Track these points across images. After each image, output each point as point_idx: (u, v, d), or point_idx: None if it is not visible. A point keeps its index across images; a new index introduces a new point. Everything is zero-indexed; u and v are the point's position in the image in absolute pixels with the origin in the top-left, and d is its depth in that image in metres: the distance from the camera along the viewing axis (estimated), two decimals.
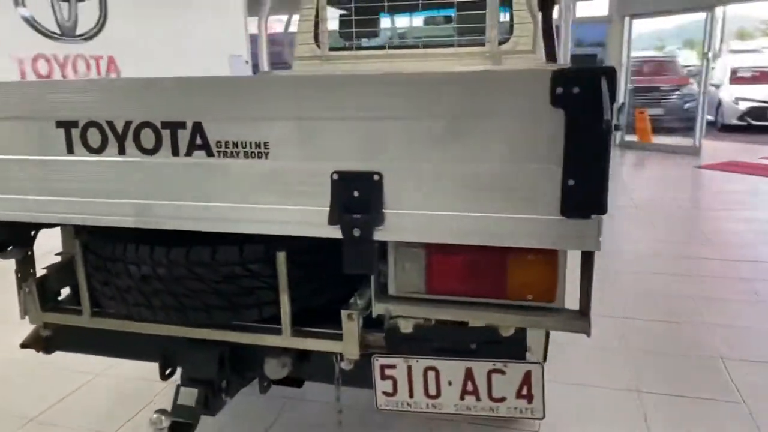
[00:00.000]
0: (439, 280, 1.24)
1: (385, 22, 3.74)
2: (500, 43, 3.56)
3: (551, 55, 4.53)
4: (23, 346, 1.84)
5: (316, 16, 3.86)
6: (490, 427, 2.24)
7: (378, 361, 1.40)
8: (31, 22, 5.03)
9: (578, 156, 1.06)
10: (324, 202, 1.20)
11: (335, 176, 1.18)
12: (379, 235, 1.20)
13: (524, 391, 1.34)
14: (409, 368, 1.39)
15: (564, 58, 3.38)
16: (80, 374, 2.68)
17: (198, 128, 1.25)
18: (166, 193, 1.30)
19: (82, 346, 1.78)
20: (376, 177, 1.17)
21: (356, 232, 1.19)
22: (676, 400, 2.48)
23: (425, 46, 3.70)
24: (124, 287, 1.47)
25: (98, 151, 1.33)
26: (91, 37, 5.67)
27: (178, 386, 1.59)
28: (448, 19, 3.76)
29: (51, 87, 1.37)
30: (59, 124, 1.34)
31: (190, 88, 1.27)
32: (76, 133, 1.33)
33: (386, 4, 3.70)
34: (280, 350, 1.51)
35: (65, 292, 1.78)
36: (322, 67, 3.91)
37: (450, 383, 1.38)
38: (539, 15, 3.49)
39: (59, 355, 1.85)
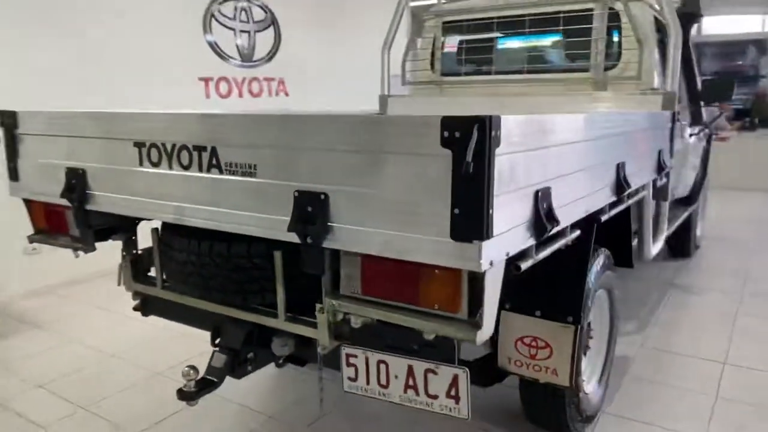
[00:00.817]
0: (370, 284, 1.49)
1: (493, 49, 3.92)
2: (607, 68, 3.56)
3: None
4: (135, 309, 2.44)
5: (433, 44, 4.17)
6: None
7: (344, 350, 1.68)
8: (215, 48, 6.04)
9: (461, 190, 1.26)
10: (288, 213, 1.52)
11: (296, 193, 1.51)
12: (326, 243, 1.49)
13: (452, 392, 1.53)
14: (366, 359, 1.65)
15: (671, 85, 3.29)
16: None
17: (214, 152, 1.66)
18: (192, 199, 1.73)
19: (163, 313, 2.30)
20: (322, 196, 1.46)
21: (309, 240, 1.49)
22: None
23: (530, 72, 3.82)
24: (176, 268, 1.95)
25: (156, 165, 1.81)
26: (265, 62, 6.61)
27: (214, 352, 2.02)
28: (554, 45, 3.83)
29: (131, 117, 1.88)
30: (135, 143, 1.85)
31: (210, 121, 1.68)
32: (144, 151, 1.83)
33: (494, 35, 3.90)
34: (284, 333, 1.86)
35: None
36: (435, 92, 4.21)
37: (396, 377, 1.61)
38: (654, 39, 3.41)
39: None
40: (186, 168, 1.73)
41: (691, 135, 4.44)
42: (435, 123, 1.27)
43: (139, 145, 1.84)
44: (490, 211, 1.26)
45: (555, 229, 1.61)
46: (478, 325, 1.36)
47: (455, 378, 1.53)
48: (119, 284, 2.25)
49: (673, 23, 3.28)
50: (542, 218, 1.52)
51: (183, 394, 1.92)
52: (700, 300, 4.40)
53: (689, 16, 4.47)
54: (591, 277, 2.43)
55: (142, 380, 3.21)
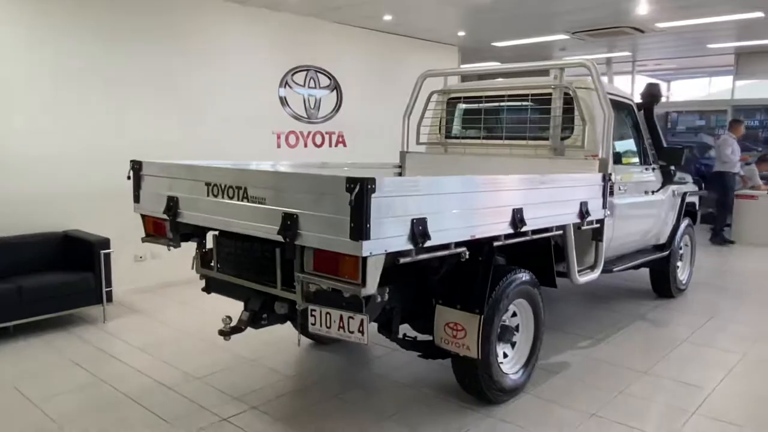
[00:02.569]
0: (318, 265, 2.73)
1: (484, 121, 5.11)
2: (564, 138, 4.66)
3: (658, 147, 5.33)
4: (202, 290, 3.80)
5: (441, 116, 5.42)
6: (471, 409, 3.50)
7: (309, 308, 2.92)
8: (286, 105, 7.59)
9: (354, 214, 2.48)
10: (277, 224, 2.79)
11: (282, 214, 2.78)
12: (297, 241, 2.74)
13: (360, 329, 2.73)
14: (321, 312, 2.88)
15: (605, 153, 4.35)
16: None
17: (246, 190, 2.99)
18: (234, 216, 3.05)
19: (218, 289, 3.62)
20: (295, 216, 2.73)
21: (288, 239, 2.75)
22: None
23: (509, 138, 4.97)
24: (224, 258, 3.29)
25: (216, 195, 3.16)
26: (327, 120, 8.10)
27: (243, 311, 3.32)
28: (526, 119, 4.98)
29: (203, 168, 3.25)
30: (205, 183, 3.21)
31: (243, 172, 3.02)
32: (210, 187, 3.18)
33: (483, 107, 5.11)
34: (282, 299, 3.13)
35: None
36: (441, 150, 5.44)
37: (334, 321, 2.83)
38: (600, 116, 4.48)
39: None
40: (231, 198, 3.06)
41: (654, 192, 5.37)
42: (343, 180, 2.50)
43: (207, 184, 3.20)
44: (368, 225, 2.47)
45: (429, 243, 2.78)
46: (363, 285, 2.57)
47: (362, 321, 2.73)
48: (192, 268, 3.61)
49: (606, 106, 4.35)
50: (415, 234, 2.70)
51: (222, 332, 3.24)
52: (658, 330, 5.26)
53: (652, 98, 5.50)
54: (504, 285, 3.53)
55: (202, 347, 4.57)
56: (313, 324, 2.93)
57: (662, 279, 6.05)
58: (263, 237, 2.91)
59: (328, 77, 8.08)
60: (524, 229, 3.46)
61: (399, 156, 5.70)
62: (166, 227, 3.54)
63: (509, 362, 3.81)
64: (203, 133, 6.63)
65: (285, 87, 7.58)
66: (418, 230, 2.72)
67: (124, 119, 6.08)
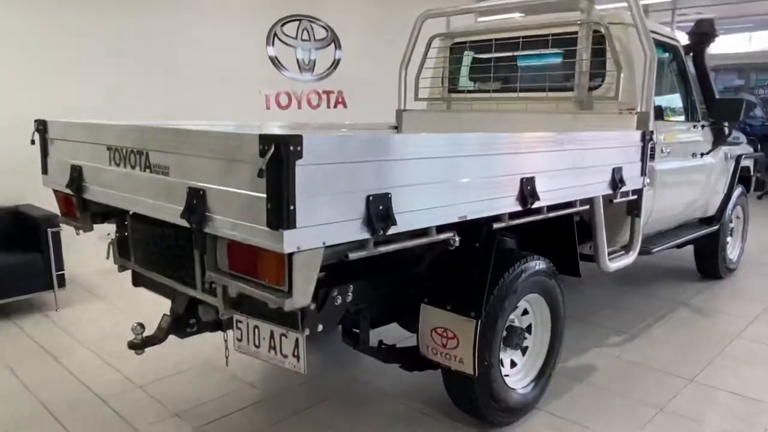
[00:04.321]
0: (233, 262, 1.91)
1: (495, 69, 4.19)
2: (591, 88, 3.74)
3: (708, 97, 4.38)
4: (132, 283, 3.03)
5: (443, 65, 4.51)
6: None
7: (235, 317, 2.12)
8: (276, 63, 6.71)
9: (271, 190, 1.65)
10: (181, 204, 1.99)
11: (187, 189, 1.97)
12: (206, 229, 1.93)
13: (295, 353, 1.92)
14: (247, 324, 2.08)
15: (646, 106, 3.43)
16: None
17: (147, 156, 2.17)
18: (133, 189, 2.25)
19: (144, 284, 2.85)
20: (201, 192, 1.92)
21: (193, 224, 1.95)
22: None
23: (524, 90, 4.06)
24: (136, 246, 2.49)
25: (118, 164, 2.36)
26: (324, 76, 7.20)
27: (164, 314, 2.54)
28: (546, 66, 4.04)
29: (102, 127, 2.45)
30: (107, 147, 2.41)
31: (144, 131, 2.20)
32: (111, 153, 2.38)
33: (493, 55, 4.19)
34: (206, 304, 2.34)
35: None
36: (445, 106, 4.55)
37: (264, 338, 2.03)
38: (639, 60, 3.54)
39: None
40: (133, 167, 2.26)
41: (704, 154, 4.42)
42: (255, 139, 1.67)
43: (109, 149, 2.40)
44: (291, 207, 1.64)
45: (394, 229, 1.95)
46: (289, 294, 1.75)
47: (297, 341, 1.92)
48: (107, 258, 2.84)
49: (648, 46, 3.40)
50: (373, 218, 1.87)
51: (132, 345, 2.45)
52: (704, 321, 4.36)
53: (703, 37, 4.48)
54: (510, 278, 2.69)
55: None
56: (240, 340, 2.13)
57: (709, 257, 5.12)
58: (171, 222, 2.11)
59: (325, 28, 7.16)
60: (537, 205, 2.60)
61: (395, 115, 4.82)
62: (75, 205, 2.77)
63: (518, 373, 2.99)
64: (175, 95, 5.78)
65: (273, 40, 6.69)
66: (378, 212, 1.89)
67: (85, 81, 5.28)
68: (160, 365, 3.52)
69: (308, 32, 7.01)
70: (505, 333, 2.83)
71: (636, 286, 5.07)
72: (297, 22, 6.88)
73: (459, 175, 2.20)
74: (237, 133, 1.77)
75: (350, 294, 2.33)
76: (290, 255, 1.71)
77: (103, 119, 2.90)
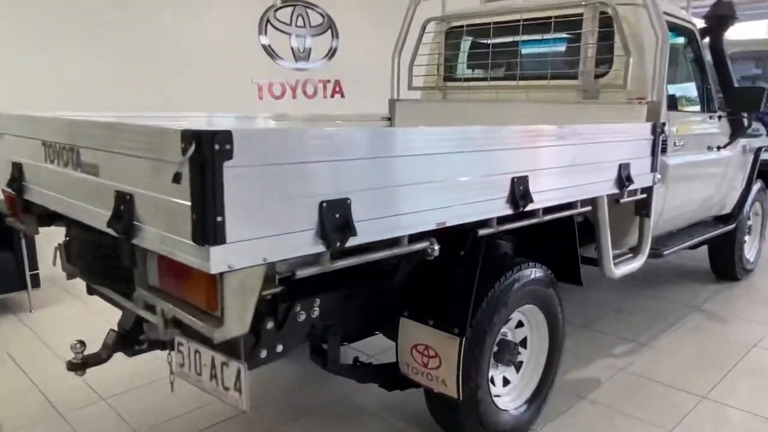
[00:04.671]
0: (164, 279, 1.63)
1: (493, 56, 3.87)
2: (598, 76, 3.42)
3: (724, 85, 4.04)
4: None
5: (438, 51, 4.20)
6: None
7: (176, 338, 1.84)
8: (269, 51, 6.41)
9: (195, 197, 1.36)
10: (110, 209, 1.71)
11: (115, 192, 1.69)
12: (135, 240, 1.66)
13: (237, 386, 1.64)
14: (188, 347, 1.80)
15: (657, 95, 3.11)
16: None
17: (77, 153, 1.89)
18: (65, 190, 1.97)
19: (98, 293, 2.58)
20: (128, 197, 1.64)
21: (120, 233, 1.67)
22: None
23: (524, 78, 3.75)
24: (76, 255, 2.22)
25: (52, 161, 2.08)
26: (320, 65, 6.89)
27: (111, 330, 2.27)
28: (548, 52, 3.72)
29: (38, 120, 2.16)
30: (42, 143, 2.13)
31: (74, 126, 1.92)
32: (46, 149, 2.10)
33: (491, 41, 3.87)
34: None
35: None
36: (440, 95, 4.24)
37: (205, 365, 1.75)
38: (649, 44, 3.21)
39: None
40: (66, 165, 1.98)
41: (720, 147, 4.08)
42: (177, 135, 1.39)
43: (44, 144, 2.12)
44: (219, 218, 1.36)
45: (355, 241, 1.66)
46: (221, 322, 1.46)
47: (239, 371, 1.64)
48: (53, 265, 2.57)
49: (660, 29, 3.07)
50: (328, 228, 1.57)
51: (71, 365, 2.18)
52: (719, 328, 4.04)
53: (722, 20, 4.12)
54: (501, 288, 2.40)
55: None
56: (181, 365, 1.86)
57: (725, 257, 4.78)
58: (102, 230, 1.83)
59: (321, 15, 6.83)
60: (530, 207, 2.30)
61: (388, 105, 4.52)
62: (18, 206, 2.50)
63: (511, 392, 2.70)
64: (159, 85, 5.49)
65: (266, 27, 6.38)
66: (334, 221, 1.60)
67: (63, 72, 5.01)
68: (132, 373, 3.26)
69: (303, 18, 6.69)
70: (496, 348, 2.55)
71: (645, 288, 4.75)
72: (291, 8, 6.56)
73: (436, 176, 1.90)
74: (160, 128, 1.47)
75: (316, 308, 2.05)
76: (221, 275, 1.42)
77: (81, 112, 2.65)
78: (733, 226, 4.50)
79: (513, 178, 2.20)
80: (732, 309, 4.37)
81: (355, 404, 3.01)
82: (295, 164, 1.50)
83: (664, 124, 3.12)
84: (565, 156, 2.45)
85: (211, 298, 1.47)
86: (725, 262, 4.79)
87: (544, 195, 2.34)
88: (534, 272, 2.58)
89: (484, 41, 3.94)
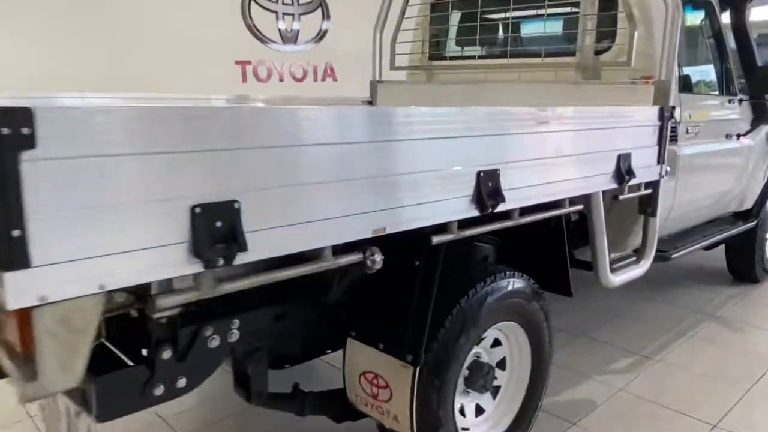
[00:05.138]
0: None
1: (481, 30, 3.42)
2: (599, 52, 2.98)
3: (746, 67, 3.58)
4: None
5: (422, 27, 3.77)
6: None
7: None
8: (254, 30, 5.99)
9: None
10: None
11: None
12: None
13: None
14: None
15: (667, 73, 2.67)
16: None
17: None
18: None
19: None
20: None
21: None
22: None
23: (516, 56, 3.31)
24: None
25: None
26: (310, 45, 6.46)
27: None
28: (544, 26, 3.27)
29: None
30: None
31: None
32: None
33: (480, 13, 3.43)
34: None
35: None
36: (425, 76, 3.82)
37: (62, 412, 1.36)
38: (659, 16, 2.76)
39: None
40: None
41: (741, 135, 3.60)
42: None
43: None
44: (15, 233, 0.96)
45: (244, 258, 1.25)
46: (33, 375, 1.07)
47: (88, 428, 1.25)
48: None
49: (672, 1, 2.61)
50: (202, 242, 1.17)
51: None
52: (735, 339, 3.59)
53: None
54: (470, 303, 1.99)
55: None
56: (43, 409, 1.47)
57: (744, 257, 4.31)
58: None
59: None
60: (503, 208, 1.87)
61: (369, 87, 4.09)
62: None
63: (485, 423, 2.29)
64: (135, 64, 5.10)
65: (250, 4, 5.96)
66: (215, 232, 1.20)
67: (29, 49, 4.63)
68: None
69: None
70: (467, 372, 2.14)
71: (653, 291, 4.29)
72: None
73: (368, 171, 1.49)
74: None
75: (235, 331, 1.66)
76: (31, 310, 1.03)
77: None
78: (754, 223, 4.03)
79: (479, 173, 1.77)
80: (751, 317, 3.91)
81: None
82: (147, 155, 1.10)
83: (674, 107, 2.67)
84: (548, 145, 2.02)
85: (26, 342, 1.07)
86: (744, 263, 4.33)
87: (520, 193, 1.91)
88: (513, 283, 2.16)
89: (472, 13, 3.49)
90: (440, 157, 1.67)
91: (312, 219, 1.38)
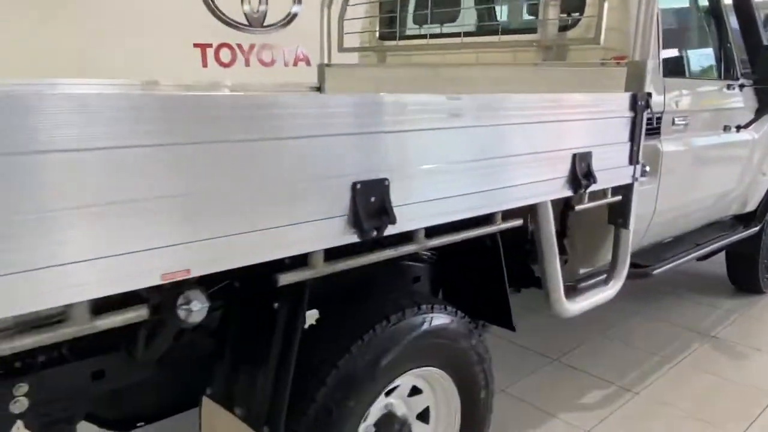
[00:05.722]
0: None
1: (434, 5, 2.93)
2: (564, 27, 2.49)
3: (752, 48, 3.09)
4: None
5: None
6: None
7: None
8: (215, 11, 5.50)
9: None
10: None
11: None
12: None
13: None
14: None
15: (642, 52, 2.17)
16: None
17: None
18: None
19: None
20: None
21: None
22: None
23: (470, 35, 2.83)
24: None
25: None
26: (279, 28, 5.97)
27: None
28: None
29: None
30: None
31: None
32: None
33: None
34: None
35: None
36: (376, 58, 3.36)
37: None
38: None
39: None
40: None
41: (741, 127, 3.08)
42: None
43: None
44: None
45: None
46: None
47: None
48: None
49: None
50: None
51: None
52: (733, 366, 3.09)
53: None
54: (360, 353, 1.52)
55: None
56: None
57: (746, 266, 3.80)
58: None
59: None
60: (393, 230, 1.39)
61: (317, 72, 3.62)
62: None
63: None
64: (74, 45, 4.64)
65: None
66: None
67: None
68: None
69: None
70: (373, 430, 1.69)
71: (640, 303, 3.79)
72: None
73: (163, 186, 1.01)
74: None
75: (22, 398, 1.22)
76: None
77: None
78: (758, 228, 3.51)
79: (355, 184, 1.29)
80: (751, 337, 3.39)
81: None
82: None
83: (649, 94, 2.15)
84: (465, 144, 1.53)
85: None
86: (747, 272, 3.81)
87: (421, 209, 1.43)
88: (431, 319, 1.69)
89: None
90: (295, 163, 1.20)
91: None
